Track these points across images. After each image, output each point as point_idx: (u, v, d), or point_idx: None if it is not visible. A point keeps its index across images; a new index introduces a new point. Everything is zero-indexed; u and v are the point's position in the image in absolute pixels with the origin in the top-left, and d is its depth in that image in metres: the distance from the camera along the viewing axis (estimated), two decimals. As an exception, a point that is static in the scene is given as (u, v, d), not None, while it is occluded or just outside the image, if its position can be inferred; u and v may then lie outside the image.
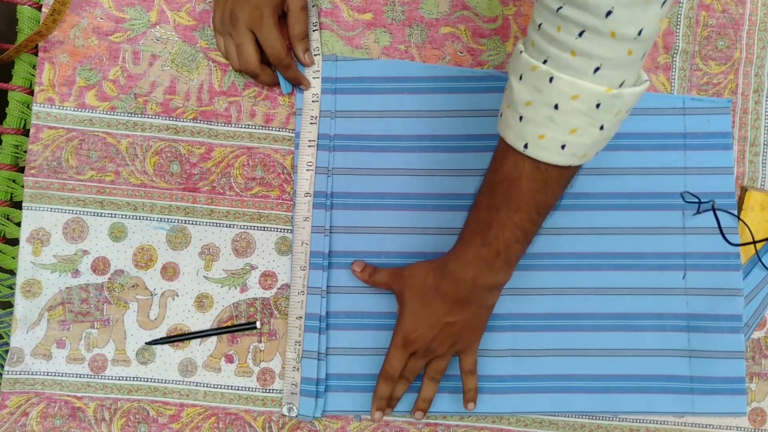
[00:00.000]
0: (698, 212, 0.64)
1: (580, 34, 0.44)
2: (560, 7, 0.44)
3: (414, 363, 0.60)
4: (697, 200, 0.63)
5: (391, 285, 0.62)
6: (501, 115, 0.52)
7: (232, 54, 0.63)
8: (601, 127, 0.48)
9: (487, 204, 0.54)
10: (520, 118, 0.48)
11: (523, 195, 0.51)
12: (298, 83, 0.65)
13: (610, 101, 0.46)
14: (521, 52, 0.48)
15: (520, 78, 0.48)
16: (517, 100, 0.49)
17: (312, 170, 0.64)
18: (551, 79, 0.46)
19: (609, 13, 0.42)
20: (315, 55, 0.65)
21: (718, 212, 0.61)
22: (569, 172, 0.51)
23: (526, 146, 0.49)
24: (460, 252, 0.57)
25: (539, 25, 0.46)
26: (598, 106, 0.46)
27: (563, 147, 0.48)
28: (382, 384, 0.60)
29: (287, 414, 0.63)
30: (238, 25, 0.61)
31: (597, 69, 0.45)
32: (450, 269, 0.57)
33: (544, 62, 0.46)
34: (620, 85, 0.46)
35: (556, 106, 0.46)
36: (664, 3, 0.43)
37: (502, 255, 0.54)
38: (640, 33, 0.44)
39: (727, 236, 0.61)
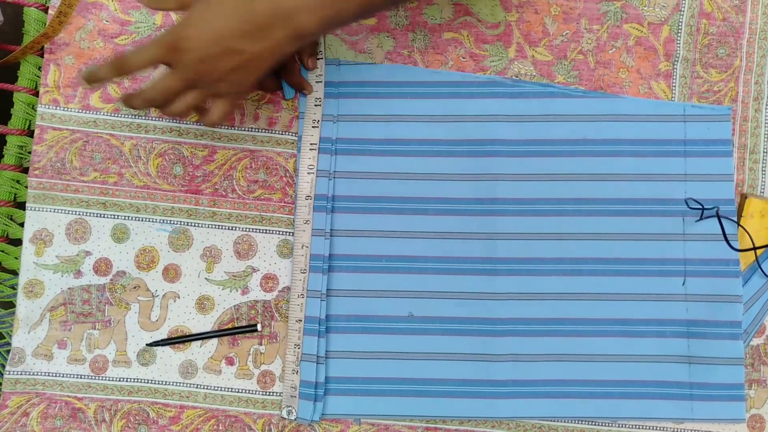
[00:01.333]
0: (701, 219, 0.64)
1: None
2: None
3: (169, 83, 0.52)
4: (700, 207, 0.63)
5: None
6: None
7: None
8: None
9: None
10: None
11: None
12: (301, 89, 0.65)
13: None
14: None
15: None
16: None
17: (313, 173, 0.65)
18: None
19: None
20: (318, 59, 0.66)
21: (716, 219, 0.61)
22: None
23: None
24: None
25: None
26: None
27: None
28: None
29: (286, 417, 0.63)
30: None
31: None
32: None
33: None
34: None
35: None
36: None
37: (338, 2, 0.50)
38: None
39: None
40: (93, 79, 0.53)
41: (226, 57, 0.50)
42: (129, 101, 0.55)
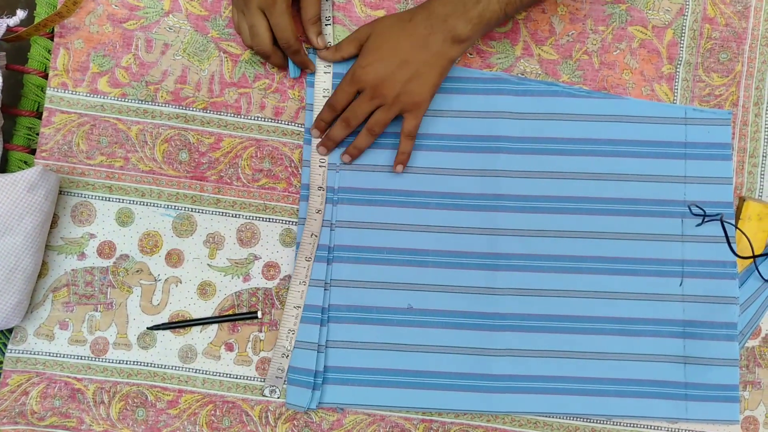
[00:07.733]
0: (702, 223, 0.65)
1: None
2: None
3: (359, 104, 0.62)
4: (702, 212, 0.64)
5: (360, 37, 0.63)
6: None
7: (245, 31, 0.63)
8: None
9: None
10: None
11: None
12: (305, 67, 0.65)
13: None
14: None
15: None
16: None
17: (324, 166, 0.65)
18: None
19: None
20: (326, 47, 0.66)
21: (715, 222, 0.62)
22: None
23: None
24: None
25: None
26: None
27: None
28: (326, 109, 0.64)
29: (268, 396, 0.63)
30: (251, 5, 0.61)
31: None
32: (428, 3, 0.60)
33: None
34: None
35: None
36: None
37: (482, 3, 0.59)
38: None
39: (725, 246, 0.62)
40: (321, 120, 0.64)
41: (400, 70, 0.60)
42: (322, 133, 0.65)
